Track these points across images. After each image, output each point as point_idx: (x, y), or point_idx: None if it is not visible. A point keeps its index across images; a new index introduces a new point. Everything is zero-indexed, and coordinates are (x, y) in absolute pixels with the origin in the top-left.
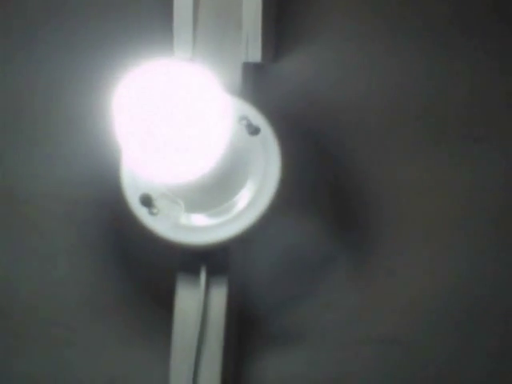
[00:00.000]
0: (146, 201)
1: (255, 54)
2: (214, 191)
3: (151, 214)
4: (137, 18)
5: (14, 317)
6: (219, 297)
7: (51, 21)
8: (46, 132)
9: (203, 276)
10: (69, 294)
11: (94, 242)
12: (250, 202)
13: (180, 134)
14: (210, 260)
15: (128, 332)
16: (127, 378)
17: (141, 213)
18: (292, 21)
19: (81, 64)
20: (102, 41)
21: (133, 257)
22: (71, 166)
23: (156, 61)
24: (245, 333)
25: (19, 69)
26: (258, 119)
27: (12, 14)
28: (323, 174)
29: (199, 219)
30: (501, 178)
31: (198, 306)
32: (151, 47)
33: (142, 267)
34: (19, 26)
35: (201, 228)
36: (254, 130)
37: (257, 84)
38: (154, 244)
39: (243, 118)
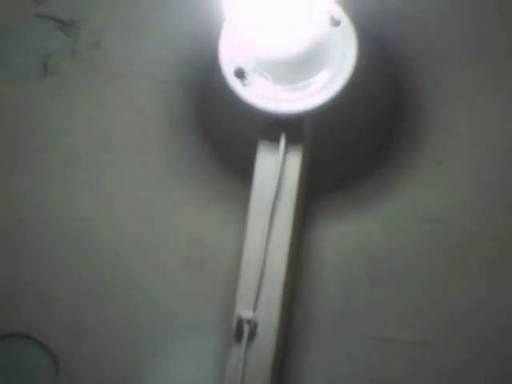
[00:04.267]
0: (240, 73)
1: None
2: (298, 68)
3: (243, 85)
4: None
5: None
6: (295, 161)
7: None
8: (143, 15)
9: (282, 142)
10: (154, 159)
11: (181, 115)
12: (327, 81)
13: (282, 12)
14: (288, 129)
15: (206, 195)
16: (204, 237)
17: (234, 84)
18: None
19: None
20: None
21: (217, 128)
22: (165, 49)
23: None
24: (312, 199)
25: None
26: (340, 14)
27: None
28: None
29: (283, 92)
30: None
31: (275, 167)
32: None
33: (225, 137)
34: None
35: (284, 99)
36: (335, 22)
37: None
38: (238, 116)
39: (327, 11)
